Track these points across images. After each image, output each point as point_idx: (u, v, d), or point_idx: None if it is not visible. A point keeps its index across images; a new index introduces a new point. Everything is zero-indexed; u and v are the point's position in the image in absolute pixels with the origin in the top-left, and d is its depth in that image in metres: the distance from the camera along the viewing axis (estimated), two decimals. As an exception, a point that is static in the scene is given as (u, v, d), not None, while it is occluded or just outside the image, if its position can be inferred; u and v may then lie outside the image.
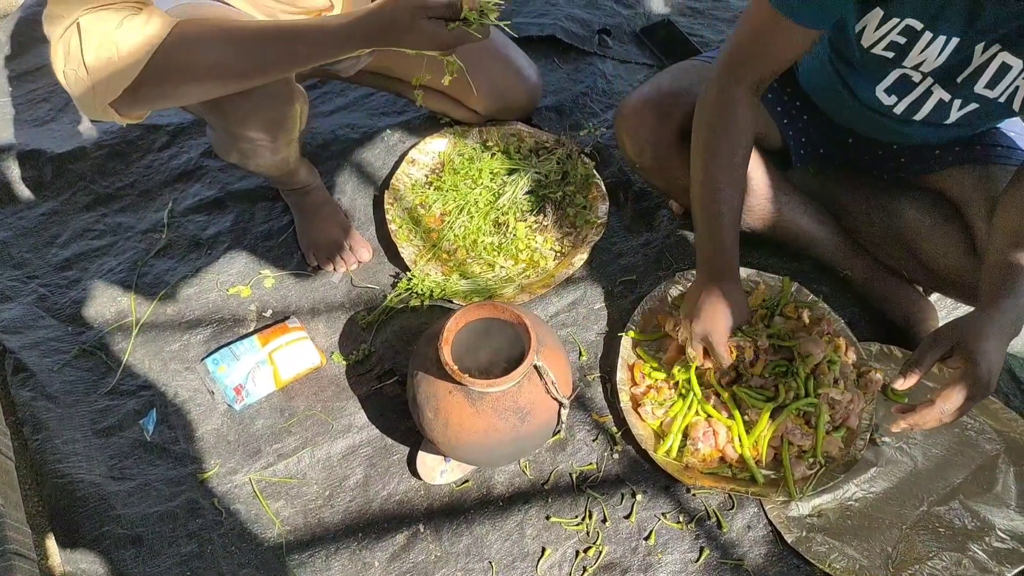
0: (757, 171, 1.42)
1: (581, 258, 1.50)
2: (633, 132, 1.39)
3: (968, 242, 1.27)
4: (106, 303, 1.49)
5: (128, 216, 1.62)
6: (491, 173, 1.61)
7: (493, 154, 1.63)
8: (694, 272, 1.48)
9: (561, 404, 1.16)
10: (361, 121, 1.74)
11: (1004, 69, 1.08)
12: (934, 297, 1.47)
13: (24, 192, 1.64)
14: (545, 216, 1.57)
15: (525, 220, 1.57)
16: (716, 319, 1.23)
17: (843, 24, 1.14)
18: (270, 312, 1.49)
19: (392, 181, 1.60)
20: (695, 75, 1.38)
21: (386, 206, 1.56)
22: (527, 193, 1.59)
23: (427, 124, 1.73)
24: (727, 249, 1.25)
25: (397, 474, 1.31)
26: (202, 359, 1.41)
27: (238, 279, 1.53)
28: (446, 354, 1.09)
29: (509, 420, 1.13)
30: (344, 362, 1.43)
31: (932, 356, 1.05)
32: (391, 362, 1.43)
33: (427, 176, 1.64)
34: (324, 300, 1.50)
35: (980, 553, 1.19)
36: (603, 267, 1.54)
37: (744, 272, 1.48)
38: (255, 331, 1.44)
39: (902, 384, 1.06)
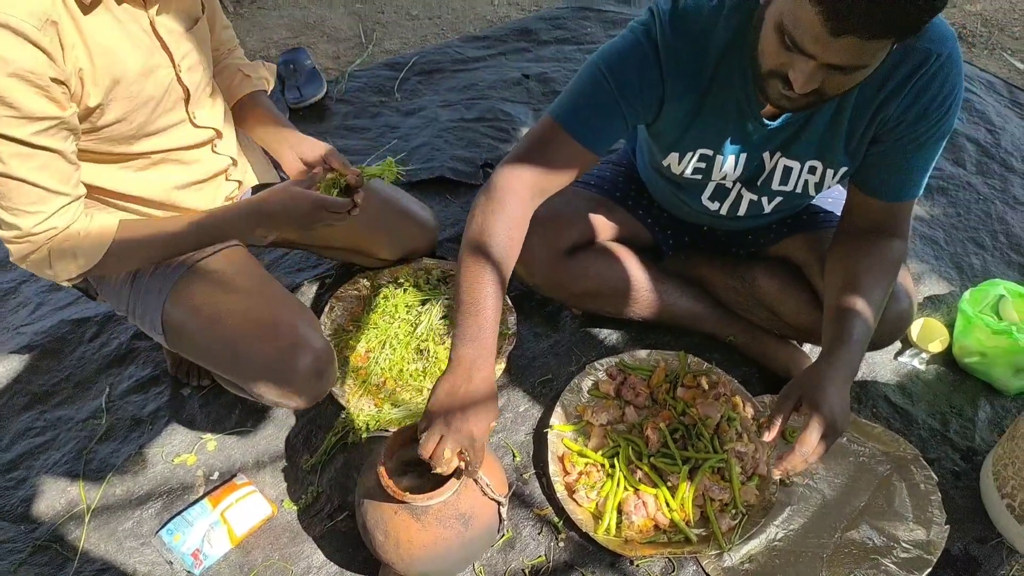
0: (636, 269, 1.62)
1: (500, 368, 1.64)
2: (523, 259, 1.55)
3: (816, 298, 1.47)
4: (56, 495, 1.53)
5: (67, 409, 1.68)
6: (406, 306, 1.75)
7: (405, 289, 1.79)
8: (602, 362, 1.65)
9: (499, 503, 1.27)
10: (280, 279, 1.88)
11: (788, 170, 1.33)
12: (807, 346, 1.67)
13: (-39, 402, 1.70)
14: (461, 337, 1.71)
15: (443, 343, 1.71)
16: (478, 421, 1.11)
17: (657, 160, 1.38)
18: (216, 474, 1.56)
19: (316, 330, 1.73)
20: (566, 199, 1.59)
21: (314, 354, 1.68)
22: (442, 318, 1.74)
23: (341, 273, 1.89)
24: (487, 334, 1.16)
25: (361, 604, 1.37)
26: (156, 532, 1.46)
27: (182, 448, 1.60)
28: (385, 477, 1.19)
29: (454, 527, 1.22)
30: (295, 507, 1.49)
31: (785, 409, 1.18)
32: (340, 499, 1.50)
33: (348, 320, 1.77)
34: (267, 451, 1.58)
35: (892, 566, 1.33)
36: (521, 372, 1.68)
37: (643, 352, 1.66)
38: (205, 494, 1.50)
39: (767, 437, 1.18)
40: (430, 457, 1.12)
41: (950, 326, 1.69)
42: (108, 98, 1.16)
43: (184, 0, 1.28)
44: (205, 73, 1.35)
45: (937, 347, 1.67)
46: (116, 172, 1.30)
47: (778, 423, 1.18)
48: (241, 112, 1.51)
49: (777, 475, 1.19)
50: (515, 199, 1.25)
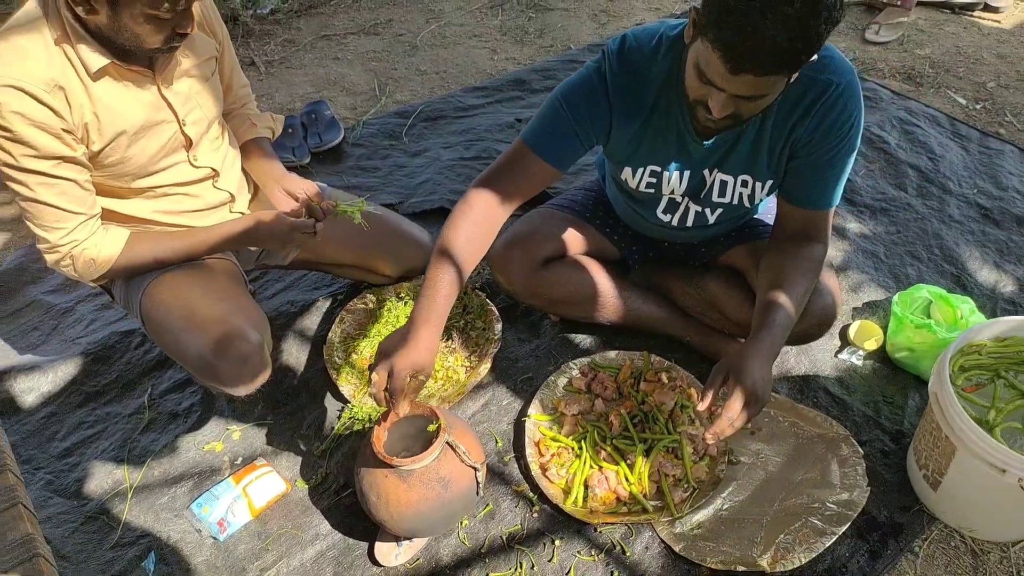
0: (603, 278, 1.83)
1: (485, 367, 1.84)
2: (503, 269, 1.79)
3: (754, 297, 1.67)
4: (103, 477, 1.75)
5: (115, 406, 1.91)
6: (406, 317, 1.97)
7: (406, 302, 2.01)
8: (576, 362, 1.85)
9: (476, 469, 1.46)
10: (298, 297, 2.12)
11: (724, 183, 1.54)
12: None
13: (27, 401, 1.93)
14: (453, 341, 1.93)
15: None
16: (408, 355, 1.32)
17: (617, 176, 1.61)
18: (240, 459, 1.76)
19: (328, 337, 1.95)
20: (542, 218, 1.82)
21: (325, 358, 1.90)
22: (437, 327, 1.95)
23: (350, 290, 2.12)
24: (439, 305, 1.37)
25: (360, 566, 1.55)
26: (188, 506, 1.67)
27: (211, 437, 1.81)
28: (377, 445, 1.40)
29: (435, 489, 1.41)
30: (306, 485, 1.69)
31: (716, 382, 1.35)
32: (345, 478, 1.69)
33: (356, 329, 2.00)
34: (283, 441, 1.79)
35: (817, 522, 1.47)
36: (504, 372, 1.88)
37: (612, 353, 1.85)
38: (230, 474, 1.72)
39: (702, 406, 1.34)
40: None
41: (885, 328, 1.87)
42: (112, 146, 1.41)
43: (195, 67, 1.52)
44: (209, 123, 1.58)
45: (872, 345, 1.84)
46: (130, 201, 1.55)
47: (709, 394, 1.35)
48: (246, 153, 1.76)
49: (709, 439, 1.35)
50: (482, 202, 1.46)
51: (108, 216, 1.53)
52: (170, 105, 1.48)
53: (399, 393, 1.34)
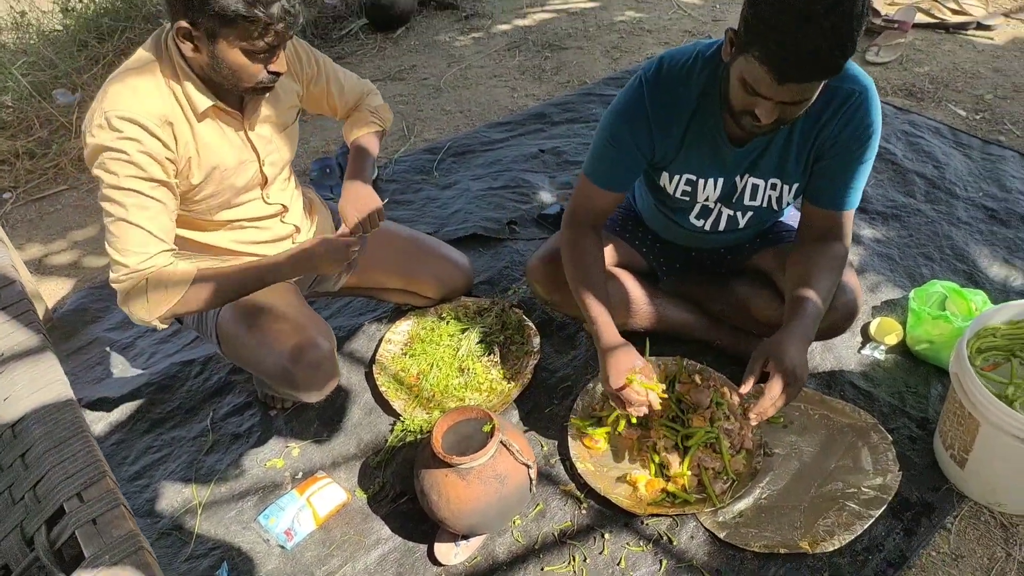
0: (635, 286, 1.93)
1: (527, 378, 1.95)
2: (542, 281, 1.91)
3: (780, 296, 1.77)
4: (173, 496, 1.85)
5: (179, 431, 2.02)
6: (449, 335, 2.08)
7: (447, 322, 2.12)
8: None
9: (528, 467, 1.55)
10: (345, 322, 2.24)
11: (755, 187, 1.65)
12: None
13: (95, 431, 2.04)
14: (495, 355, 2.04)
15: (481, 362, 2.03)
16: (609, 370, 1.58)
17: (654, 183, 1.73)
18: (300, 474, 1.86)
19: (377, 358, 2.06)
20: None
21: (376, 376, 2.01)
22: (479, 343, 2.06)
23: (394, 314, 2.24)
24: (605, 327, 1.63)
25: (422, 566, 1.63)
26: (255, 518, 1.76)
27: (272, 455, 1.91)
28: (438, 445, 1.50)
29: (492, 485, 1.51)
30: (365, 495, 1.78)
31: (756, 365, 1.45)
32: (401, 487, 1.78)
33: (402, 349, 2.11)
34: (341, 454, 1.89)
35: (855, 505, 1.55)
36: (545, 382, 1.98)
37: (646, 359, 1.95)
38: (292, 487, 1.81)
39: (744, 389, 1.44)
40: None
41: (903, 324, 1.96)
42: (207, 179, 1.56)
43: (275, 115, 1.66)
44: (283, 165, 1.73)
45: (893, 339, 1.92)
46: (211, 233, 1.69)
47: (751, 379, 1.44)
48: (353, 147, 1.87)
49: (753, 420, 1.44)
50: (586, 241, 1.72)
51: (191, 245, 1.68)
52: (254, 146, 1.63)
53: (630, 400, 1.57)
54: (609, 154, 1.64)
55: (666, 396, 1.63)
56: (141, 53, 1.49)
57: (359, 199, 1.76)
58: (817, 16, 1.19)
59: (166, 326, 1.58)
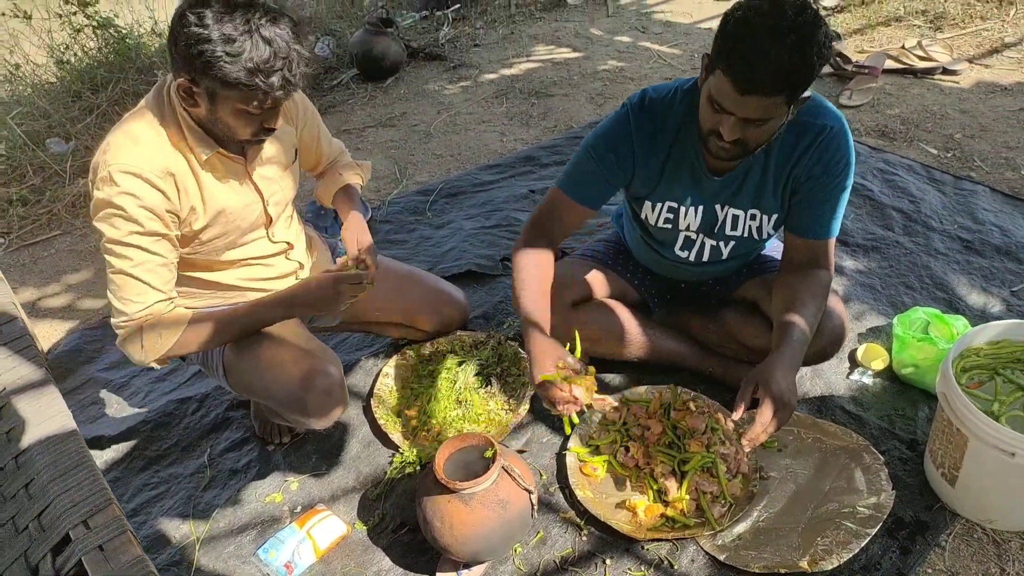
0: (628, 317, 1.98)
1: (524, 408, 1.96)
2: None
3: (769, 323, 1.82)
4: (171, 531, 1.83)
5: (176, 467, 2.01)
6: (446, 369, 2.11)
7: (444, 355, 2.16)
8: (607, 397, 1.97)
9: (530, 492, 1.57)
10: (343, 357, 2.25)
11: (736, 217, 1.72)
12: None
13: (92, 468, 2.03)
14: (492, 387, 2.06)
15: (479, 394, 2.05)
16: (534, 363, 1.55)
17: (637, 215, 1.79)
18: (300, 507, 1.85)
19: (375, 391, 2.08)
20: (568, 266, 1.99)
21: (374, 410, 2.02)
22: (476, 375, 2.09)
23: (391, 348, 2.26)
24: (535, 327, 1.60)
25: (423, 597, 1.63)
26: (255, 552, 1.75)
27: (271, 489, 1.90)
28: (440, 471, 1.51)
29: (495, 510, 1.52)
30: (365, 527, 1.78)
31: (746, 392, 1.47)
32: (401, 517, 1.78)
33: (399, 383, 2.13)
34: (340, 487, 1.89)
35: (851, 524, 1.57)
36: (541, 412, 2.00)
37: (641, 388, 1.98)
38: (292, 520, 1.80)
39: (735, 416, 1.47)
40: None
41: (889, 350, 2.01)
42: (213, 222, 1.60)
43: (276, 155, 1.71)
44: (287, 204, 1.78)
45: (879, 365, 1.98)
46: (218, 273, 1.73)
47: (741, 405, 1.48)
48: (336, 201, 1.95)
49: (746, 445, 1.47)
50: (538, 251, 1.72)
51: (200, 284, 1.72)
52: (257, 188, 1.67)
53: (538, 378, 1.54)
54: (588, 167, 1.69)
55: (596, 389, 1.55)
56: (144, 103, 1.53)
57: (361, 229, 1.81)
58: (780, 33, 1.30)
59: (165, 365, 1.62)
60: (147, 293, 1.53)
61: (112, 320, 1.56)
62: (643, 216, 1.77)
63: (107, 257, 1.51)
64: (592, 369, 1.58)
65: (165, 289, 1.55)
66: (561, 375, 1.53)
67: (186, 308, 1.63)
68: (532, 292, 1.66)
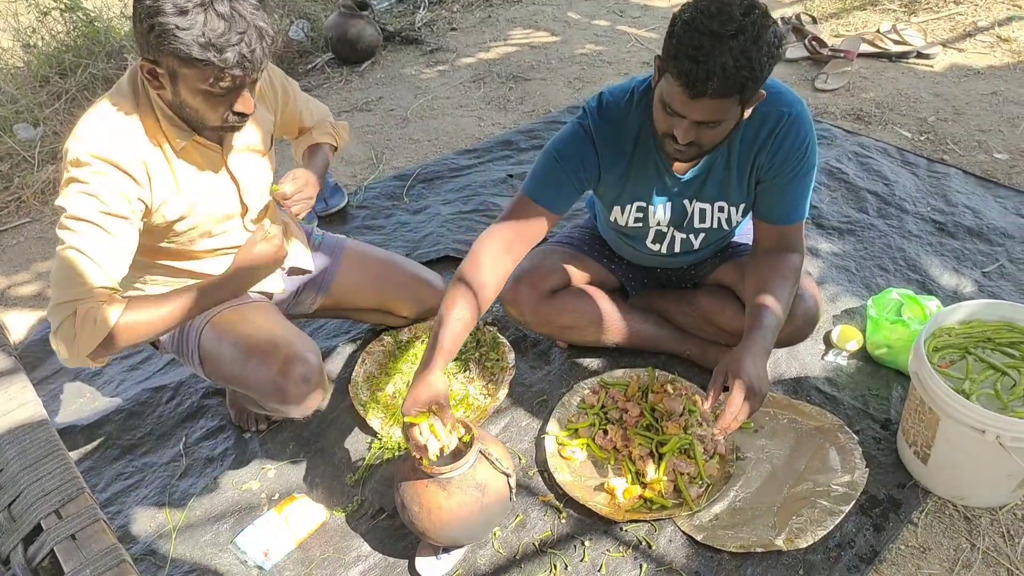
0: (606, 303, 1.98)
1: (503, 393, 1.96)
2: (513, 302, 1.94)
3: (743, 308, 1.83)
4: (146, 521, 1.81)
5: (151, 456, 1.99)
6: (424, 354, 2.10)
7: (422, 341, 2.14)
8: (586, 383, 1.98)
9: (508, 475, 1.57)
10: (320, 343, 2.23)
11: (703, 211, 1.72)
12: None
13: (64, 458, 2.00)
14: (471, 372, 2.06)
15: (457, 379, 2.05)
16: (409, 397, 1.47)
17: (608, 219, 1.78)
18: (277, 495, 1.83)
19: (352, 377, 2.07)
20: (545, 254, 1.97)
21: (352, 396, 2.01)
22: (455, 360, 2.08)
23: (368, 334, 2.25)
24: (442, 348, 1.50)
25: (402, 582, 1.63)
26: (232, 540, 1.73)
27: (247, 477, 1.89)
28: (417, 457, 1.50)
29: (472, 494, 1.51)
30: (343, 513, 1.78)
31: (717, 380, 1.48)
32: (379, 503, 1.78)
33: (378, 369, 2.12)
34: (317, 474, 1.88)
35: (825, 502, 1.59)
36: (520, 396, 2.00)
37: (619, 372, 1.99)
38: (270, 508, 1.79)
39: (707, 405, 1.47)
40: None
41: (863, 331, 2.03)
42: (187, 212, 1.56)
43: (252, 144, 1.68)
44: (262, 192, 1.74)
45: (854, 346, 2.00)
46: (194, 261, 1.70)
47: (711, 393, 1.48)
48: (305, 155, 1.91)
49: (718, 434, 1.48)
50: (487, 253, 1.61)
51: (174, 273, 1.69)
52: (233, 176, 1.64)
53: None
54: (554, 170, 1.64)
55: (448, 451, 1.51)
56: (118, 88, 1.49)
57: (300, 178, 1.77)
58: (726, 36, 1.28)
59: (102, 364, 1.46)
60: (95, 276, 1.38)
61: (49, 306, 1.39)
62: (612, 219, 1.77)
63: (61, 234, 1.39)
64: (469, 435, 1.54)
65: (113, 274, 1.42)
66: (426, 419, 1.48)
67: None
68: (457, 316, 1.54)
